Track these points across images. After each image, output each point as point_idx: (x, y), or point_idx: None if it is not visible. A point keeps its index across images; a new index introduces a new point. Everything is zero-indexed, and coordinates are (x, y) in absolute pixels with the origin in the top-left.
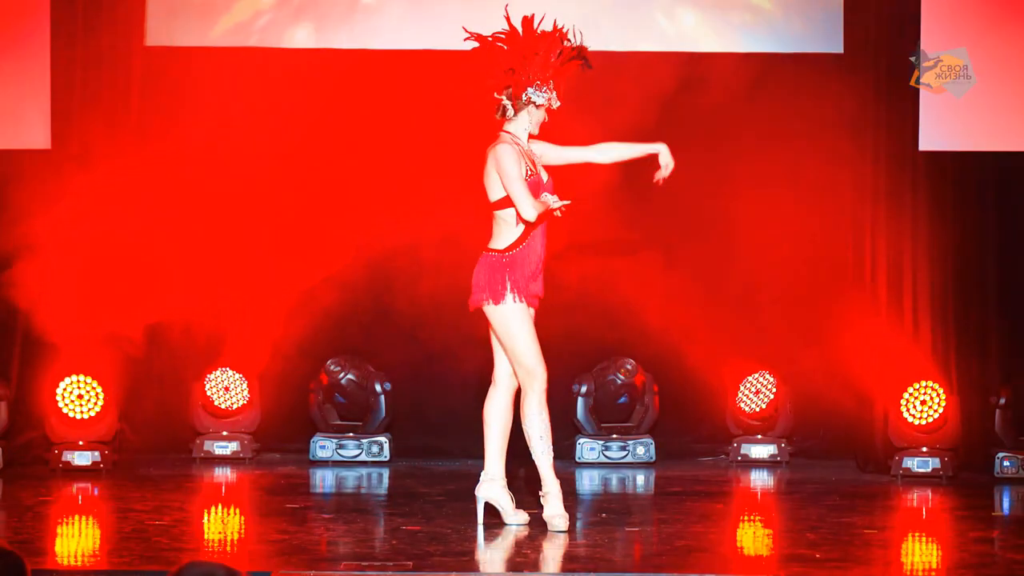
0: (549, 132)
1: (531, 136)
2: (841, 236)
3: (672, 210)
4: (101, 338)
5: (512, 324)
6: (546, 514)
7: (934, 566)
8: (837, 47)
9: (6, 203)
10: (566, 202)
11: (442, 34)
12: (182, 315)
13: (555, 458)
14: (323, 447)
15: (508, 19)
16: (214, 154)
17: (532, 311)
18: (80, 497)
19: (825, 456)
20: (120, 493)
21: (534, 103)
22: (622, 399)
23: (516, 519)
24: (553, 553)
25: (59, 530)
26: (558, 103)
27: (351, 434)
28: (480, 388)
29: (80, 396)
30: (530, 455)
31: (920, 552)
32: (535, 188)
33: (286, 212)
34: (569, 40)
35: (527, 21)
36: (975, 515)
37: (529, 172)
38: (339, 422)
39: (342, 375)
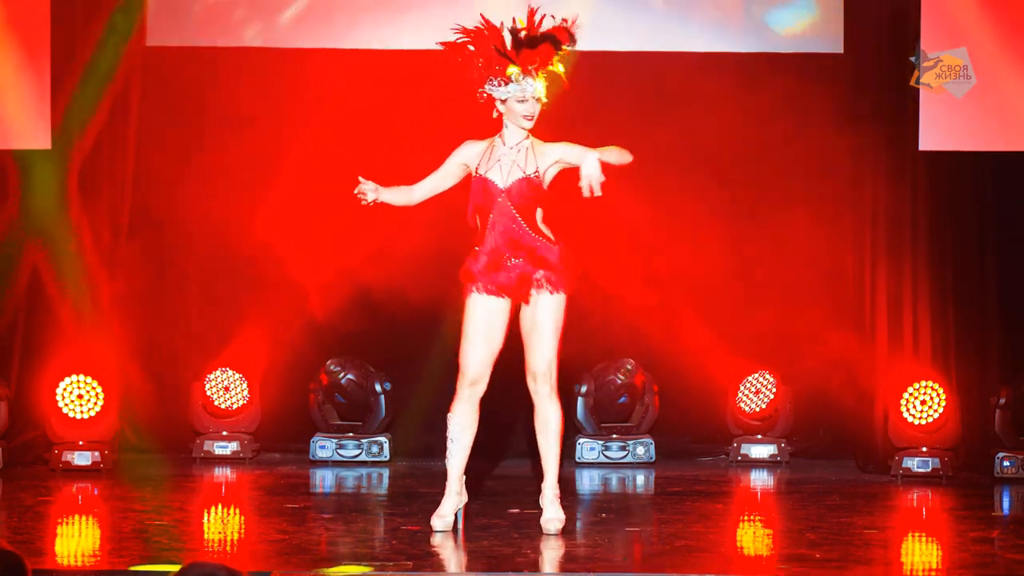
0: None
1: (540, 136)
2: (841, 235)
3: (671, 210)
4: (101, 338)
5: (465, 316)
6: (439, 512)
7: (934, 566)
8: (837, 47)
9: (7, 203)
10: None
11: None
12: (182, 314)
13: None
14: (323, 447)
15: (483, 18)
16: (214, 154)
17: (501, 303)
18: (80, 497)
19: (825, 456)
20: (120, 493)
21: (497, 98)
22: (622, 399)
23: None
24: (553, 553)
25: (59, 530)
26: (525, 93)
27: (351, 434)
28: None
29: (80, 396)
30: (536, 454)
31: (920, 552)
32: (479, 186)
33: (286, 211)
34: (521, 27)
35: (485, 20)
36: (975, 515)
37: (476, 170)
38: (339, 422)
39: (342, 375)
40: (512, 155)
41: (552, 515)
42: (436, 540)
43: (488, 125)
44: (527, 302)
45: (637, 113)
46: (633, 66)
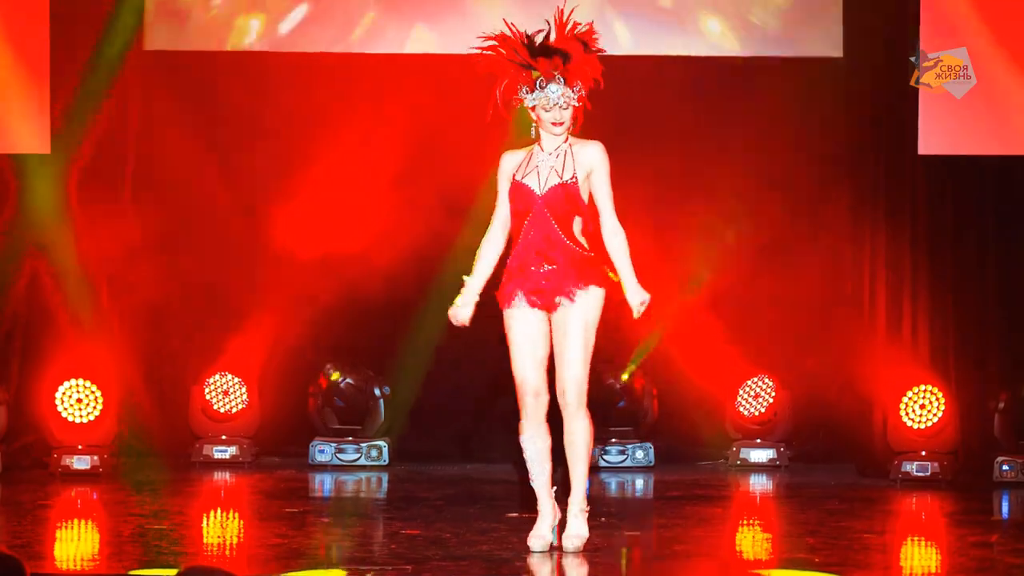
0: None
1: (576, 138)
2: (840, 239)
3: (671, 214)
4: (101, 342)
5: (506, 332)
6: (535, 532)
7: (933, 570)
8: (837, 51)
9: (6, 207)
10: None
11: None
12: (181, 318)
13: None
14: (322, 451)
15: (505, 23)
16: (213, 159)
17: (537, 312)
18: (79, 501)
19: (824, 460)
20: (119, 497)
21: (527, 107)
22: (621, 403)
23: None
24: (552, 556)
25: (58, 534)
26: (549, 101)
27: (350, 438)
28: (480, 391)
29: (79, 400)
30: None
31: (919, 556)
32: (516, 191)
33: (285, 215)
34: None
35: (508, 25)
36: (974, 519)
37: (512, 177)
38: (338, 426)
39: (341, 379)
40: (551, 161)
41: (575, 531)
42: (434, 544)
43: (486, 129)
44: (554, 310)
45: (636, 116)
46: (632, 69)
